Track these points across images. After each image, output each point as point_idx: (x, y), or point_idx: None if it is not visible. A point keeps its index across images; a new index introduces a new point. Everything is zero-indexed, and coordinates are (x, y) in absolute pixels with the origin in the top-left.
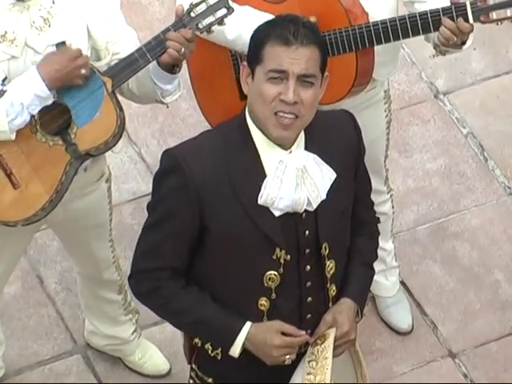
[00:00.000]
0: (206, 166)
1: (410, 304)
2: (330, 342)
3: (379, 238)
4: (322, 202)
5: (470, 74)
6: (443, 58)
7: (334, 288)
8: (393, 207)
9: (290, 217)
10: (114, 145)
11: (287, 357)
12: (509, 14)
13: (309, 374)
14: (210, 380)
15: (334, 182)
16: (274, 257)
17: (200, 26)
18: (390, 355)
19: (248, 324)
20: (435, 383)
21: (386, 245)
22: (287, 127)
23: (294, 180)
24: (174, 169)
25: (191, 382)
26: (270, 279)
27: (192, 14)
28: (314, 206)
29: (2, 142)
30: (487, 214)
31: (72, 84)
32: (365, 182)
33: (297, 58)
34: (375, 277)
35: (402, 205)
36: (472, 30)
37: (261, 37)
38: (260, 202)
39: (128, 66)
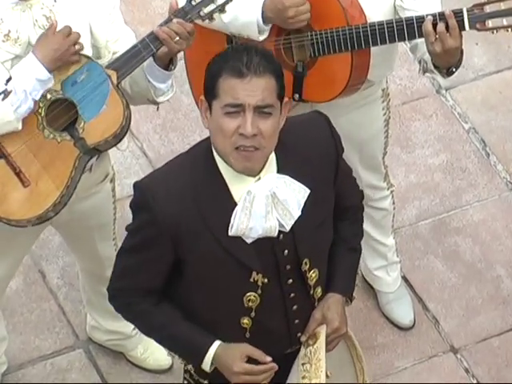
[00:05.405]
0: (176, 203)
1: (412, 299)
2: (321, 342)
3: (380, 234)
4: (298, 218)
5: (472, 69)
6: None
7: (319, 291)
8: (393, 203)
9: (266, 240)
10: (123, 137)
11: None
12: (505, 23)
13: (303, 377)
14: (205, 382)
15: (310, 196)
16: (252, 280)
17: (201, 13)
18: (391, 350)
19: (216, 344)
20: (437, 381)
21: (386, 240)
22: (249, 159)
23: (263, 209)
24: (144, 206)
25: (185, 382)
26: (249, 300)
27: (193, 2)
28: (288, 227)
29: (10, 141)
30: (489, 210)
31: (69, 61)
32: (346, 176)
33: (252, 89)
34: (377, 272)
35: (404, 200)
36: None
37: (214, 70)
38: (230, 233)
39: (132, 58)
